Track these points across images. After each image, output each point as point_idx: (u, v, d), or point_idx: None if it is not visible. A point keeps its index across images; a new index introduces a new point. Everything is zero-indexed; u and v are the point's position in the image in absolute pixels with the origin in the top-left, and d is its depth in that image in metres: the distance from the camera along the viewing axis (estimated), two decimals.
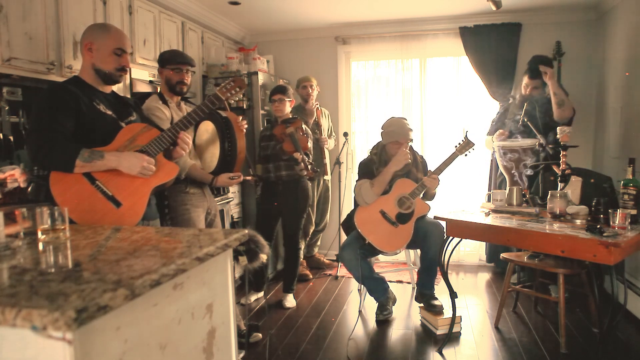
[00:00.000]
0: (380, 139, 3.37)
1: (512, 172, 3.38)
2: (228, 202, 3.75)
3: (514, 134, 3.56)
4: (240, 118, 2.61)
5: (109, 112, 1.94)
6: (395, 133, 3.24)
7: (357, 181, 3.33)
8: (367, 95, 4.99)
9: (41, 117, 1.79)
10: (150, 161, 1.86)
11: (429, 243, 3.14)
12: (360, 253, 3.18)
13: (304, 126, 3.49)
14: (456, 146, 3.21)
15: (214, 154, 2.62)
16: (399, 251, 3.20)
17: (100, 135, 1.88)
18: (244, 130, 2.61)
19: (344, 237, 3.46)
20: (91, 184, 1.80)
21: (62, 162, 1.76)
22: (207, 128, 2.66)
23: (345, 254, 3.23)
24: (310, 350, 2.82)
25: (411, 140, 3.28)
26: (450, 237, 2.78)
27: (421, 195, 3.21)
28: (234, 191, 3.93)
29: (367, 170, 3.31)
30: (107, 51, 1.93)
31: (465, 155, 3.22)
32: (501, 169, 3.71)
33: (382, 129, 3.35)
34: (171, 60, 2.58)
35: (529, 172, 3.22)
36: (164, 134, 1.96)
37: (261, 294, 3.77)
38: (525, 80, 3.70)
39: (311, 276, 4.30)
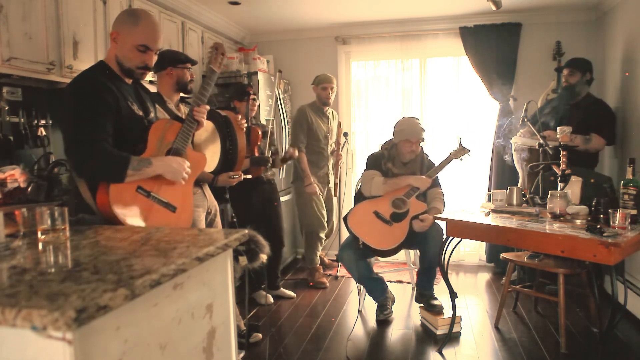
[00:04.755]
0: (392, 138, 3.36)
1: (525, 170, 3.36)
2: (228, 202, 3.74)
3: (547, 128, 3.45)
4: (240, 117, 2.62)
5: (140, 113, 1.90)
6: (406, 132, 3.24)
7: (365, 171, 3.34)
8: (367, 95, 4.99)
9: (83, 124, 1.68)
10: (186, 163, 1.87)
11: (429, 245, 3.14)
12: (359, 253, 3.18)
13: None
14: (451, 151, 3.28)
15: (214, 153, 2.62)
16: (394, 246, 3.17)
17: (132, 136, 1.83)
18: (244, 129, 2.62)
19: (343, 237, 3.45)
20: (147, 197, 1.77)
21: (113, 172, 1.69)
22: (206, 127, 2.65)
23: (345, 254, 3.23)
24: (310, 350, 2.82)
25: (422, 140, 3.27)
26: (450, 237, 2.78)
27: (415, 195, 3.20)
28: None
29: (376, 163, 3.34)
30: (129, 45, 1.79)
31: (461, 159, 3.28)
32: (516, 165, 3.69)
33: (394, 127, 3.36)
34: (182, 60, 2.59)
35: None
36: (185, 125, 1.96)
37: (277, 291, 3.75)
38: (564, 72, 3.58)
39: (327, 284, 4.06)
